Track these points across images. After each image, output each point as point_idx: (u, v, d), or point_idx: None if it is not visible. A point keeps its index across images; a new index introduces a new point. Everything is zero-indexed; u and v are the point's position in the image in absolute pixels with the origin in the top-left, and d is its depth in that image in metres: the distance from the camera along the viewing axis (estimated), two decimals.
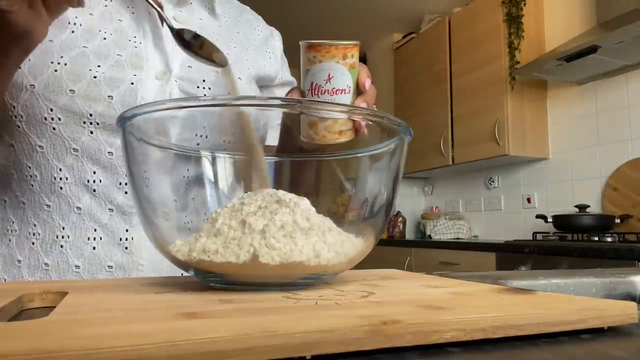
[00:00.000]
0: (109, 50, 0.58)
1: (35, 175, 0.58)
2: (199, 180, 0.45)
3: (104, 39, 0.59)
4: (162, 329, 0.23)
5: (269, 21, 0.80)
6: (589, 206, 2.30)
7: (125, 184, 0.59)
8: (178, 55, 0.62)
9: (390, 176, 0.43)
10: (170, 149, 0.47)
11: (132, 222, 0.59)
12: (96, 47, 0.58)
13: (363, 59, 4.17)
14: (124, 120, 0.39)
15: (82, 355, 0.19)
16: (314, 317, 0.26)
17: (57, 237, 0.58)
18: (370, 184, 0.44)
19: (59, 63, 0.55)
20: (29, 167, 0.58)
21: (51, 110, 0.55)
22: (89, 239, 0.58)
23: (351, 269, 0.44)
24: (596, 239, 2.10)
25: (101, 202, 0.58)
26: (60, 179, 0.57)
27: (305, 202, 0.40)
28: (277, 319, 0.25)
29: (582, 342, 0.27)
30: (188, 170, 0.48)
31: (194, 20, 0.67)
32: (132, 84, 0.58)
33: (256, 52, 0.73)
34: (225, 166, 0.47)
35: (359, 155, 0.45)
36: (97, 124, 0.56)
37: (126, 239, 0.59)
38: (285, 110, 0.48)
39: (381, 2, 3.34)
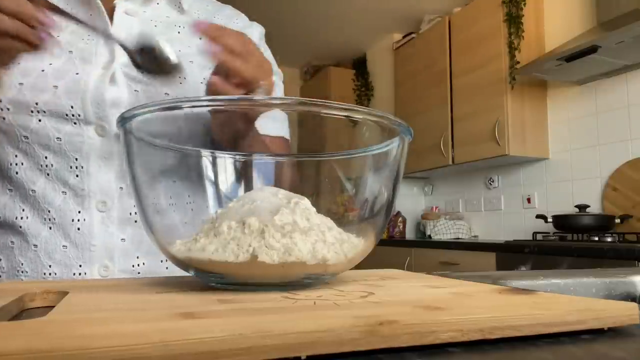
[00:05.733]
0: (61, 51, 0.62)
1: None
2: (199, 180, 0.44)
3: (58, 36, 0.63)
4: (157, 329, 0.23)
5: (268, 22, 0.81)
6: (589, 206, 2.30)
7: (77, 167, 0.62)
8: (121, 47, 0.65)
9: (390, 176, 0.43)
10: (170, 148, 0.47)
11: (84, 205, 0.62)
12: (50, 48, 0.61)
13: (363, 59, 4.18)
14: (124, 121, 0.39)
15: (76, 355, 0.19)
16: (310, 318, 0.26)
17: (16, 218, 0.62)
18: (371, 184, 0.44)
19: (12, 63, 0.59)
20: None
21: (0, 101, 0.59)
22: (45, 219, 0.62)
23: (351, 269, 0.44)
24: (596, 239, 2.10)
25: (54, 185, 0.62)
26: (17, 164, 0.61)
27: (305, 202, 0.40)
28: (274, 319, 0.25)
29: (582, 342, 0.27)
30: (188, 170, 0.48)
31: (161, 17, 0.71)
32: (77, 74, 0.61)
33: None
34: (225, 166, 0.47)
35: (359, 155, 0.45)
36: (44, 112, 0.60)
37: (78, 220, 0.62)
38: (285, 109, 0.48)
39: (381, 2, 3.34)
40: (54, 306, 0.30)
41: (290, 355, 0.22)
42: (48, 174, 0.62)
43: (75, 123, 0.61)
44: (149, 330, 0.22)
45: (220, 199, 0.43)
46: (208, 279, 0.39)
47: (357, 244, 0.41)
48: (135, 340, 0.20)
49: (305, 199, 0.40)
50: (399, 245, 3.05)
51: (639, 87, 2.31)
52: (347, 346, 0.23)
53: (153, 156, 0.44)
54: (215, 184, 0.44)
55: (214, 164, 0.48)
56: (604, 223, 2.23)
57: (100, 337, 0.21)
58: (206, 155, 0.50)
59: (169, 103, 0.38)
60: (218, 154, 0.47)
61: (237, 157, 0.49)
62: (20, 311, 0.34)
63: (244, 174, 0.47)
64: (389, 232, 3.48)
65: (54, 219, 0.61)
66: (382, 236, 0.45)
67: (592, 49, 2.09)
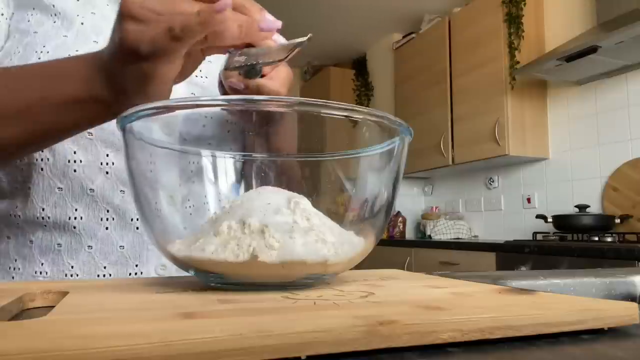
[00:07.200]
0: (86, 38, 0.61)
1: (48, 159, 0.59)
2: (198, 180, 0.44)
3: (82, 24, 0.61)
4: (157, 329, 0.23)
5: None
6: (589, 206, 2.31)
7: None
8: None
9: (391, 176, 0.43)
10: (170, 148, 0.47)
11: None
12: (74, 36, 0.60)
13: (363, 59, 4.18)
14: (124, 120, 0.39)
15: (76, 355, 0.19)
16: (310, 318, 0.26)
17: (69, 218, 0.59)
18: (371, 184, 0.44)
19: (41, 52, 0.58)
20: (40, 151, 0.59)
21: None
22: (101, 219, 0.60)
23: (351, 269, 0.44)
24: (596, 239, 2.10)
25: (113, 184, 0.60)
26: (75, 161, 0.59)
27: (305, 202, 0.40)
28: (273, 319, 0.25)
29: (582, 342, 0.27)
30: (189, 170, 0.48)
31: None
32: None
33: None
34: (225, 166, 0.47)
35: (359, 155, 0.45)
36: None
37: (137, 219, 0.60)
38: (285, 109, 0.48)
39: (381, 2, 3.34)
40: (54, 306, 0.30)
41: (290, 355, 0.22)
42: (107, 172, 0.60)
43: None
44: (149, 330, 0.22)
45: (220, 199, 0.43)
46: (208, 279, 0.39)
47: (357, 244, 0.41)
48: (135, 340, 0.20)
49: (305, 199, 0.40)
50: (399, 245, 3.05)
51: (639, 87, 2.31)
52: (347, 346, 0.23)
53: (153, 156, 0.44)
54: (215, 184, 0.44)
55: (214, 164, 0.48)
56: (604, 223, 2.23)
57: (100, 337, 0.21)
58: (206, 156, 0.50)
59: (169, 103, 0.38)
60: (218, 153, 0.47)
61: (237, 157, 0.49)
62: (20, 311, 0.34)
63: (243, 174, 0.47)
64: (389, 232, 3.48)
65: (113, 218, 0.60)
66: (382, 236, 0.45)
67: (592, 49, 2.09)
